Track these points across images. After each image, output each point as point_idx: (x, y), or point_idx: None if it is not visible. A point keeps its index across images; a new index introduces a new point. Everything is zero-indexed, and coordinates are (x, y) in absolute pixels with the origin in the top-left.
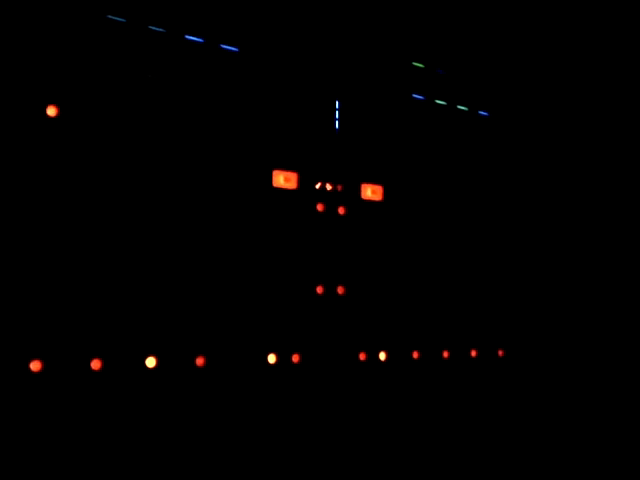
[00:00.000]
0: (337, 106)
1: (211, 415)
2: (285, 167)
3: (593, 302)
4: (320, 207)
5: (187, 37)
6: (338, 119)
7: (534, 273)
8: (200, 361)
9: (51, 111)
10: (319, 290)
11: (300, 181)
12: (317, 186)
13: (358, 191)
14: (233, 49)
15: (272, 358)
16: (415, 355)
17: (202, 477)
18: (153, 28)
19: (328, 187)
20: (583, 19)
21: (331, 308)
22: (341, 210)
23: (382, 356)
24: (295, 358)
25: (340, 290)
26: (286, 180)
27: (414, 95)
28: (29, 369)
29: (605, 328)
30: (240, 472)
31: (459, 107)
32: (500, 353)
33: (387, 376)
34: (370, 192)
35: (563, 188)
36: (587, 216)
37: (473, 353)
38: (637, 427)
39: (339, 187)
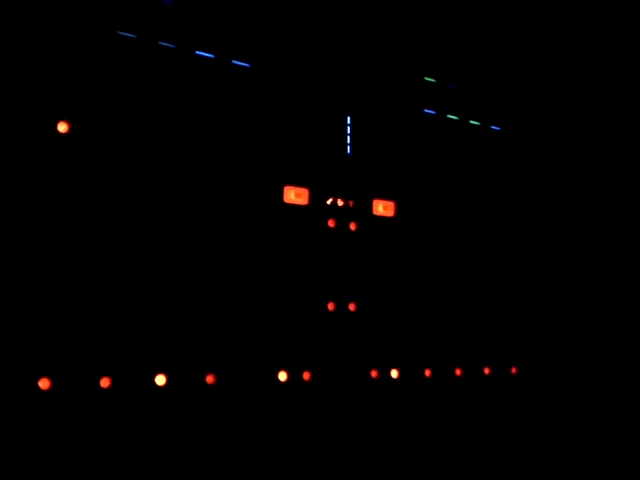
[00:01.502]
0: (348, 121)
1: (221, 433)
2: (296, 183)
3: (607, 321)
4: (331, 223)
5: (198, 53)
6: (350, 134)
7: (547, 290)
8: (210, 379)
9: (62, 127)
10: (330, 307)
11: (311, 197)
12: (328, 202)
13: (370, 207)
14: (245, 65)
15: (283, 376)
16: (427, 373)
17: None
18: (163, 44)
19: (339, 203)
20: (595, 34)
21: (342, 325)
22: (352, 226)
23: (394, 374)
24: (306, 375)
25: (351, 307)
26: (297, 196)
27: (426, 110)
28: (38, 387)
29: (621, 347)
30: None
31: (471, 122)
32: (513, 370)
33: (399, 394)
34: (382, 208)
35: (577, 203)
36: (602, 232)
37: (486, 371)
38: None
39: (350, 203)
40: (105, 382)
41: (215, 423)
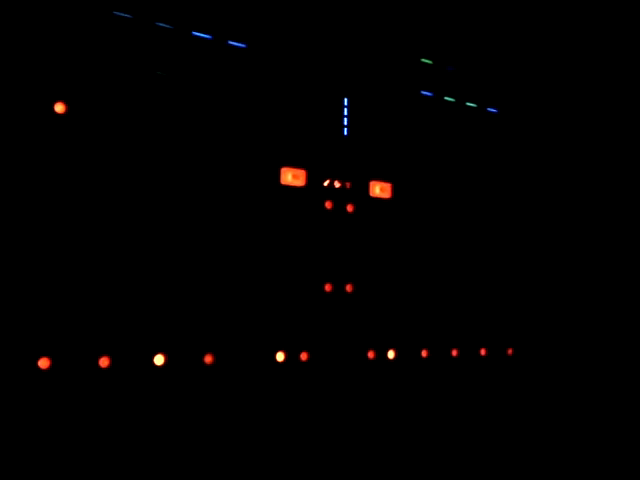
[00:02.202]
0: (345, 103)
1: (219, 413)
2: (293, 164)
3: (603, 300)
4: (328, 205)
5: (194, 33)
6: (346, 116)
7: (544, 271)
8: (208, 359)
9: (59, 108)
10: (327, 288)
11: (308, 178)
12: (325, 183)
13: (367, 188)
14: (241, 45)
15: (280, 356)
16: (424, 353)
17: (209, 476)
18: (160, 24)
19: (336, 184)
20: (593, 17)
21: (339, 306)
22: (349, 208)
23: (391, 354)
24: (303, 356)
25: (349, 288)
26: (294, 177)
27: (423, 92)
28: (37, 366)
29: (616, 326)
30: (247, 471)
31: (468, 104)
32: (509, 352)
33: (396, 374)
34: (379, 189)
35: (574, 185)
36: (598, 214)
37: (482, 352)
38: None
39: (347, 184)
40: (104, 362)
41: (213, 403)
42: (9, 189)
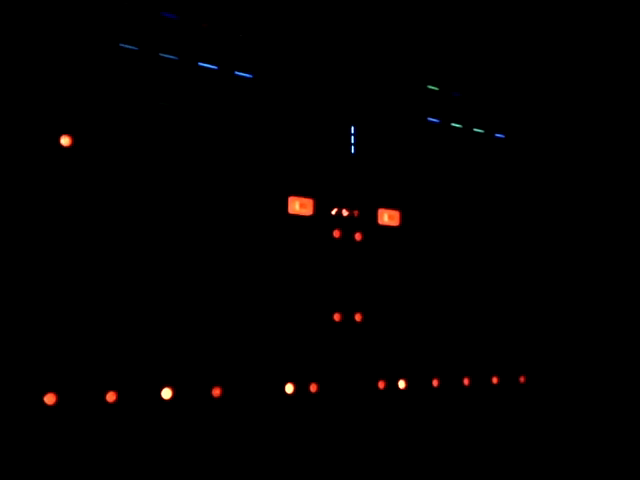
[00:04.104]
0: (352, 131)
1: (228, 447)
2: (301, 193)
3: (617, 330)
4: (336, 233)
5: (200, 64)
6: (354, 144)
7: (556, 299)
8: (217, 392)
9: (65, 141)
10: (336, 317)
11: (316, 207)
12: (333, 212)
13: (375, 216)
14: (247, 76)
15: (290, 388)
16: (435, 383)
17: None
18: (165, 56)
19: (344, 213)
20: (597, 42)
21: (349, 336)
22: (358, 236)
23: (402, 384)
24: (313, 387)
25: (358, 317)
26: (302, 206)
27: (429, 118)
28: (44, 402)
29: (632, 356)
30: None
31: (475, 130)
32: (522, 379)
33: (407, 405)
34: (387, 217)
35: (583, 211)
36: (611, 242)
37: (494, 380)
38: None
39: (355, 213)
40: (111, 396)
41: (222, 436)
42: (16, 222)
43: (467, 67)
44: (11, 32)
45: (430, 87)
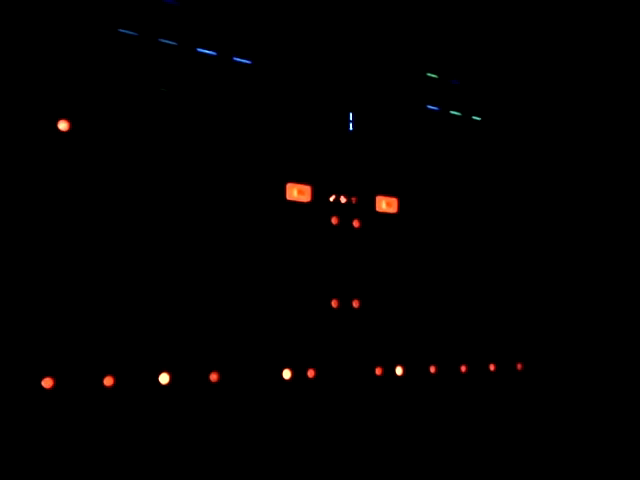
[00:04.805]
0: (351, 118)
1: (225, 432)
2: (299, 180)
3: (613, 316)
4: (334, 220)
5: (199, 50)
6: (352, 131)
7: (553, 286)
8: (214, 377)
9: (63, 125)
10: (334, 304)
11: (314, 194)
12: (331, 199)
13: (373, 203)
14: (246, 61)
15: (287, 373)
16: (432, 370)
17: None
18: (164, 41)
19: (342, 200)
20: (592, 33)
21: (346, 322)
22: (356, 223)
23: (399, 371)
24: (310, 373)
25: (355, 304)
26: (300, 193)
27: (428, 106)
28: (41, 386)
29: (628, 341)
30: None
31: (474, 117)
32: (519, 367)
33: (404, 391)
34: (385, 204)
35: (582, 197)
36: (607, 226)
37: (492, 367)
38: None
39: (353, 199)
40: (109, 381)
41: (219, 421)
42: (13, 207)
43: (466, 55)
44: (9, 17)
45: (429, 75)
